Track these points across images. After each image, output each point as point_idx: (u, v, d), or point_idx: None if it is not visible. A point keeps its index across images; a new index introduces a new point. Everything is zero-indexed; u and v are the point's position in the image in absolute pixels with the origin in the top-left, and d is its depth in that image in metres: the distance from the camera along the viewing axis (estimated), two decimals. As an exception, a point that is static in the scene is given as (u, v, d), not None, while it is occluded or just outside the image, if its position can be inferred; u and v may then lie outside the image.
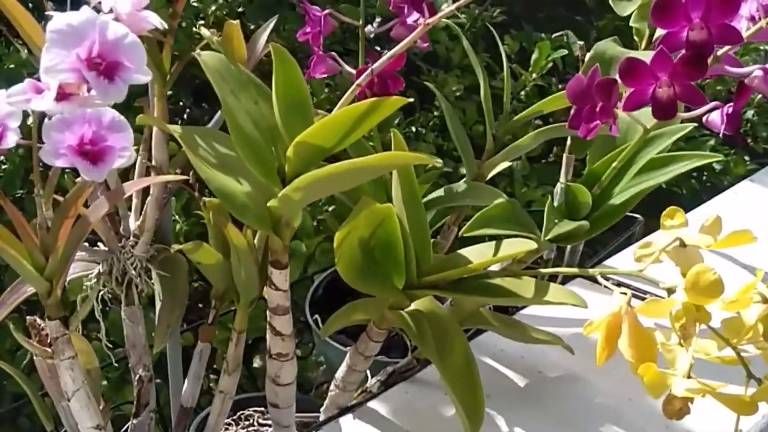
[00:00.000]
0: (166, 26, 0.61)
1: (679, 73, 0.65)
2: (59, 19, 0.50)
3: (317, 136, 0.65)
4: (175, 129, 0.70)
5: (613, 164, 0.77)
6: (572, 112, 0.71)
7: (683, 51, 0.65)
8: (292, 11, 1.67)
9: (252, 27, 1.89)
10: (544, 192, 1.83)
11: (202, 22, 1.70)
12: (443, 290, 0.75)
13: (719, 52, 0.68)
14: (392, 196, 0.75)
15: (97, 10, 0.56)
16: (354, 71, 0.82)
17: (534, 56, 2.02)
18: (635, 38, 1.04)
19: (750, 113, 1.97)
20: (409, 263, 0.74)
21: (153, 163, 0.77)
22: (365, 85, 0.81)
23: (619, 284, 0.71)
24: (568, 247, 1.08)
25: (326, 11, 0.83)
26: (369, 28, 0.86)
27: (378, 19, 1.80)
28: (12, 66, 1.56)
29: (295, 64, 0.68)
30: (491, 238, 0.78)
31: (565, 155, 1.08)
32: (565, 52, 2.09)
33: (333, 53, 0.85)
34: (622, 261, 1.12)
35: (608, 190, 0.80)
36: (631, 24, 1.02)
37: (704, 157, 0.79)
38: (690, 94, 0.66)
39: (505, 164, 0.95)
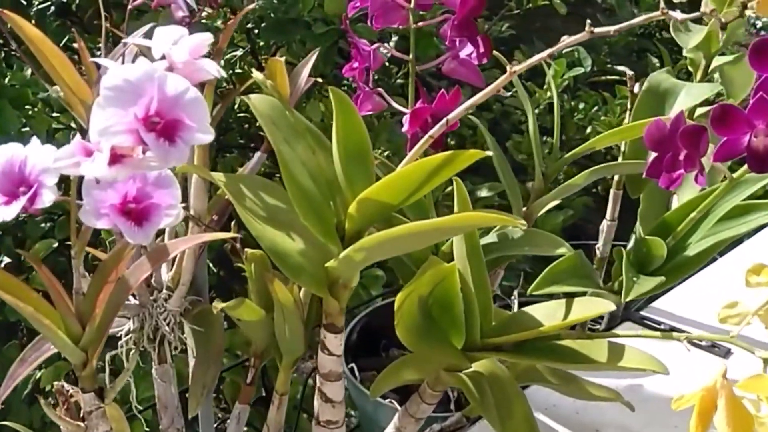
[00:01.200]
0: (224, 74, 0.55)
1: (780, 122, 0.59)
2: (115, 74, 0.44)
3: (383, 193, 0.58)
4: (219, 177, 0.64)
5: (692, 215, 0.71)
6: (651, 158, 0.66)
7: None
8: (308, 30, 1.61)
9: (261, 44, 1.83)
10: (565, 217, 1.77)
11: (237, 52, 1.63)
12: (508, 353, 0.69)
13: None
14: (454, 250, 0.69)
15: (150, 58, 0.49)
16: (404, 109, 0.76)
17: (550, 74, 1.96)
18: (690, 68, 0.98)
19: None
20: (471, 322, 0.68)
21: (191, 212, 0.71)
22: (420, 126, 0.74)
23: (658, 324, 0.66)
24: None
25: (375, 45, 0.77)
26: (385, 47, 0.78)
27: (395, 38, 1.73)
28: (16, 85, 1.48)
29: (357, 112, 0.62)
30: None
31: (612, 191, 1.03)
32: (581, 70, 2.04)
33: (380, 89, 0.79)
34: (670, 303, 1.06)
35: (683, 240, 0.73)
36: (685, 54, 0.96)
37: (792, 206, 0.73)
38: (791, 144, 0.60)
39: (555, 202, 0.89)
